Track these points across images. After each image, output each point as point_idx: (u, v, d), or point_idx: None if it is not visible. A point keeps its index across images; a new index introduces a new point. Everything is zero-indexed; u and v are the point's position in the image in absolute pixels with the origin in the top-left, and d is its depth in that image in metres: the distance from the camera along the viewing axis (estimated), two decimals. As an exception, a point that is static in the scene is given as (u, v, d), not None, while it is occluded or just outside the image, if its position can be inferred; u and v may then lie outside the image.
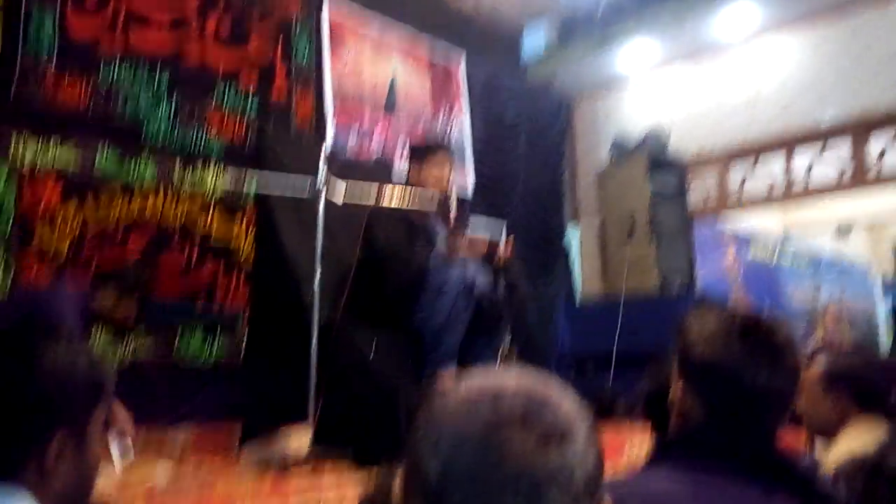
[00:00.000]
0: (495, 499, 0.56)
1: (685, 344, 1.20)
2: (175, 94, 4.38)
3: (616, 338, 5.32)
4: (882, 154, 6.07)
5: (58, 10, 3.94)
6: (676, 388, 1.23)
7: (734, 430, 1.12)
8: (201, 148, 4.47)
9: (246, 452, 2.78)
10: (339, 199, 2.91)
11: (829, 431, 1.97)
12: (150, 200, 4.24)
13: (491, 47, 7.03)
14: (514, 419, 0.58)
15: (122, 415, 1.75)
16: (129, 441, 1.67)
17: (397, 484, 0.63)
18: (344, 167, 3.70)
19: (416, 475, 0.60)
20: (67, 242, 3.91)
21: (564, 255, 7.36)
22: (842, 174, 6.34)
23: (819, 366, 2.02)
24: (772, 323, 1.19)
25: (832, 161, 6.37)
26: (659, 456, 1.17)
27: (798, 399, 2.05)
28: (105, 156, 4.08)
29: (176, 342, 4.26)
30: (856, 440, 1.85)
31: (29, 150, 3.80)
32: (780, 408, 1.15)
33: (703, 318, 1.20)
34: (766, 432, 1.14)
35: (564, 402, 0.62)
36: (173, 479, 2.48)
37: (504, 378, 0.63)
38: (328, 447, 2.75)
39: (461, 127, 6.40)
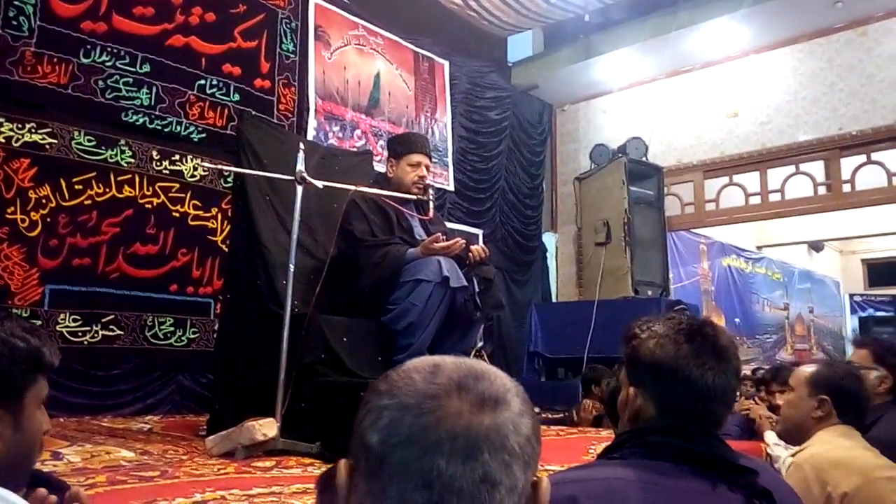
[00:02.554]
0: (433, 458, 0.57)
1: (635, 348, 1.25)
2: (157, 80, 4.35)
3: (588, 340, 5.36)
4: (854, 175, 6.19)
5: (40, -12, 3.90)
6: (626, 391, 1.28)
7: (682, 426, 1.17)
8: (181, 134, 4.45)
9: (212, 441, 2.76)
10: (319, 184, 2.90)
11: (801, 435, 2.01)
12: (126, 185, 4.21)
13: (476, 49, 7.07)
14: (450, 388, 0.61)
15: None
16: None
17: (342, 465, 0.65)
18: (326, 155, 3.71)
19: (360, 447, 0.62)
20: (41, 223, 3.86)
21: (541, 259, 7.42)
22: (815, 192, 6.45)
23: (809, 369, 2.06)
24: (715, 326, 1.27)
25: (807, 179, 6.47)
26: (611, 451, 1.21)
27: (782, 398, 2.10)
28: (82, 138, 4.04)
29: (147, 328, 4.22)
30: (825, 445, 1.89)
31: (4, 130, 3.76)
32: (724, 404, 1.21)
33: (651, 323, 1.27)
34: (712, 428, 1.20)
35: (500, 375, 0.66)
36: (136, 465, 2.45)
37: (443, 357, 0.67)
38: (296, 438, 2.75)
39: (444, 127, 6.41)
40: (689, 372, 1.18)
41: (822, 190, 6.41)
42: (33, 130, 3.86)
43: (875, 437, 2.10)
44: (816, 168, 6.43)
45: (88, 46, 4.07)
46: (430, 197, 3.34)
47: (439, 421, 0.59)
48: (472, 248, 3.25)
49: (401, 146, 3.47)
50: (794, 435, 2.08)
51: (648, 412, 1.23)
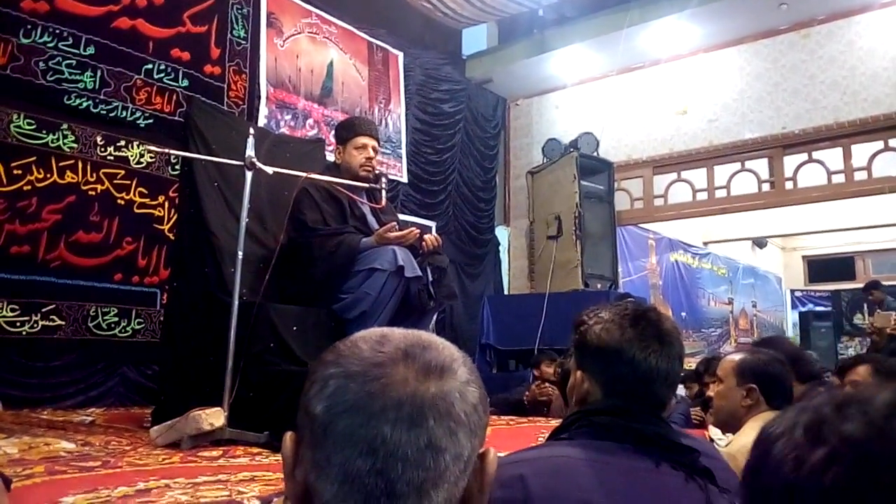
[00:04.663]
0: (377, 425, 0.57)
1: (582, 333, 1.29)
2: (101, 63, 4.22)
3: (539, 332, 5.41)
4: (796, 173, 6.38)
5: (-23, -36, 3.75)
6: (574, 377, 1.31)
7: (626, 406, 1.20)
8: (126, 119, 4.33)
9: (157, 431, 2.70)
10: (269, 170, 2.86)
11: (735, 423, 2.06)
12: (69, 170, 4.08)
13: (431, 41, 7.06)
14: (396, 356, 0.61)
15: None
16: None
17: (288, 437, 0.64)
18: (277, 142, 3.65)
19: (306, 417, 0.61)
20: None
21: (493, 252, 7.46)
22: (759, 189, 6.62)
23: (735, 358, 2.11)
24: (658, 312, 1.31)
25: (751, 176, 6.64)
26: (560, 432, 1.23)
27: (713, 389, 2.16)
28: (22, 121, 3.90)
29: (89, 319, 4.10)
30: (755, 433, 1.94)
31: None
32: (667, 386, 1.24)
33: (598, 310, 1.31)
34: (656, 409, 1.23)
35: (447, 346, 0.66)
36: (77, 455, 2.38)
37: (391, 329, 0.67)
38: (244, 428, 2.71)
39: (397, 119, 6.39)
40: (633, 354, 1.21)
41: (765, 187, 6.59)
42: (-31, 112, 3.71)
43: None
44: (761, 165, 6.60)
45: (29, 26, 3.93)
46: (383, 185, 3.32)
47: (385, 388, 0.59)
48: (426, 237, 3.24)
49: (346, 131, 3.42)
50: (728, 424, 2.14)
51: (595, 395, 1.26)
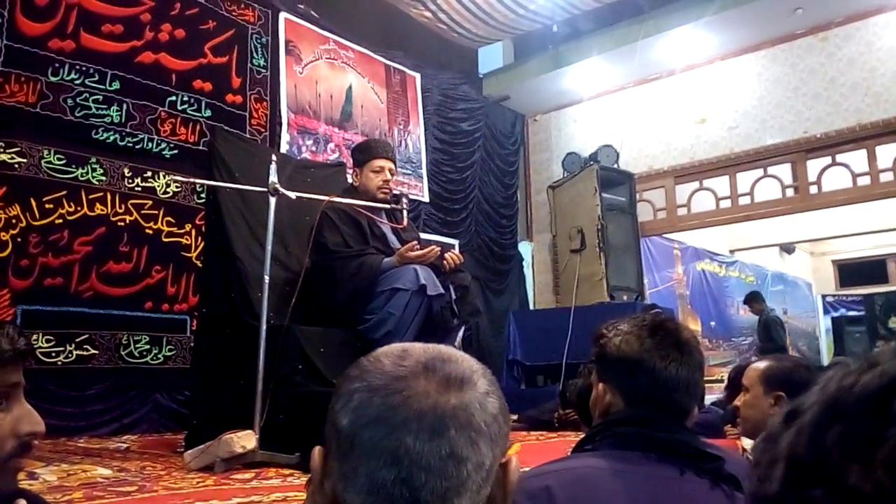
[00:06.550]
0: (400, 436, 0.60)
1: (603, 346, 1.31)
2: (127, 97, 4.33)
3: (566, 347, 5.39)
4: (820, 176, 6.32)
5: (6, 7, 3.88)
6: (597, 390, 1.33)
7: (648, 416, 1.22)
8: (152, 151, 4.43)
9: (190, 455, 2.74)
10: (292, 195, 2.91)
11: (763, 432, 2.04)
12: (98, 202, 4.18)
13: (448, 61, 7.13)
14: (417, 370, 0.64)
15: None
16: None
17: (316, 451, 0.67)
18: (298, 167, 3.71)
19: (332, 430, 0.64)
20: (11, 243, 3.81)
21: (517, 268, 7.46)
22: (783, 195, 6.57)
23: (760, 367, 2.10)
24: (677, 322, 1.34)
25: (775, 182, 6.59)
26: (584, 444, 1.25)
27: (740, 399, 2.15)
28: (52, 157, 4.01)
29: (122, 347, 4.18)
30: None
31: (-28, 150, 3.71)
32: (688, 394, 1.25)
33: (617, 323, 1.33)
34: (678, 417, 1.24)
35: (466, 358, 0.68)
36: (113, 481, 2.43)
37: (412, 344, 0.69)
38: (275, 450, 2.74)
39: (417, 139, 6.45)
40: (653, 364, 1.23)
41: (790, 192, 6.53)
42: (1, 150, 3.83)
43: None
44: (784, 171, 6.55)
45: (56, 65, 4.05)
46: (404, 206, 3.35)
47: (407, 400, 0.61)
48: (447, 255, 3.26)
49: (362, 154, 3.45)
50: (756, 433, 2.12)
51: (617, 406, 1.28)
